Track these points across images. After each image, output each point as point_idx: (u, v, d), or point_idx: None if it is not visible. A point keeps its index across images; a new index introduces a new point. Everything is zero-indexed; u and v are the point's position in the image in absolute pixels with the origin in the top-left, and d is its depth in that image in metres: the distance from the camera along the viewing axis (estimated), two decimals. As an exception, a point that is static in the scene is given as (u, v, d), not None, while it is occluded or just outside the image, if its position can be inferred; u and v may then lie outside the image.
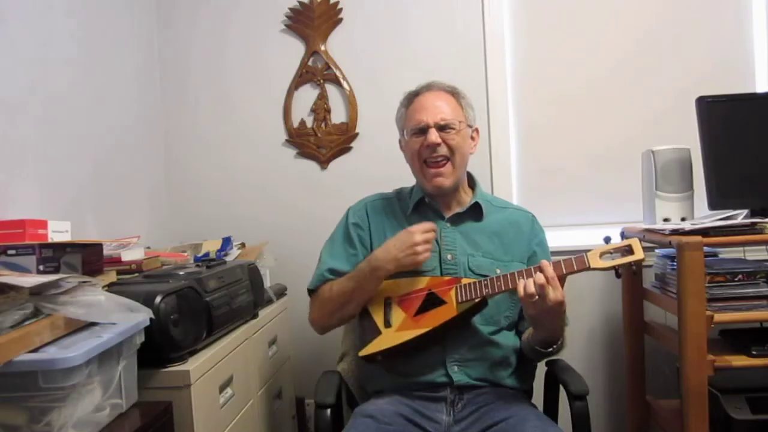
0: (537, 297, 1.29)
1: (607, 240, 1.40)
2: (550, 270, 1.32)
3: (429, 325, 1.41)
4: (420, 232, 1.41)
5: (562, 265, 1.35)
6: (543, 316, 1.36)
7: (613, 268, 1.35)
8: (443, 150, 1.50)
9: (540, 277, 1.30)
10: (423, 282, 1.47)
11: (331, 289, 1.53)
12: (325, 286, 1.55)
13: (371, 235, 1.59)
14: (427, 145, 1.50)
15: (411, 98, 1.58)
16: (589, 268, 1.35)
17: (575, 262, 1.35)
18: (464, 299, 1.41)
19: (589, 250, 1.37)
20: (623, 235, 1.39)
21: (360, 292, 1.49)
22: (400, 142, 1.64)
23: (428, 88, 1.57)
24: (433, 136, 1.49)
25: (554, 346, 1.45)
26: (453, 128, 1.51)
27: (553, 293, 1.29)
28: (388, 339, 1.44)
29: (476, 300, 1.40)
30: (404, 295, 1.47)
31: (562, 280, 1.33)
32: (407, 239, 1.41)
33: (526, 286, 1.30)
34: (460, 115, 1.54)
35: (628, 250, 1.36)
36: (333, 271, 1.56)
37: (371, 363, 1.48)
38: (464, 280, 1.44)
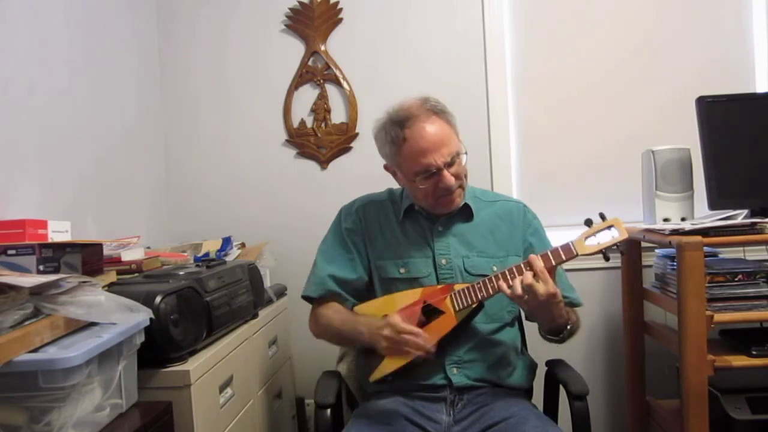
0: (526, 296, 1.29)
1: (588, 222, 1.39)
2: (538, 264, 1.31)
3: (432, 339, 1.39)
4: (390, 327, 1.35)
5: (550, 257, 1.34)
6: (538, 311, 1.36)
7: (600, 251, 1.35)
8: (456, 184, 1.45)
9: (527, 276, 1.30)
10: (417, 294, 1.45)
11: (329, 324, 1.51)
12: (325, 313, 1.52)
13: (365, 240, 1.57)
14: (443, 188, 1.43)
15: (399, 133, 1.41)
16: (576, 255, 1.35)
17: (562, 251, 1.35)
18: (461, 306, 1.40)
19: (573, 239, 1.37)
20: (603, 216, 1.39)
21: (353, 342, 1.55)
22: (387, 168, 1.53)
23: (416, 118, 1.40)
24: (449, 179, 1.41)
25: (563, 333, 1.43)
26: (458, 158, 1.43)
27: (544, 287, 1.28)
28: (394, 360, 1.43)
29: (473, 305, 1.40)
30: (401, 310, 1.44)
31: (552, 271, 1.33)
32: (379, 326, 1.37)
33: (513, 288, 1.30)
34: (457, 140, 1.44)
35: (613, 230, 1.35)
36: (334, 277, 1.54)
37: (381, 384, 1.47)
38: (457, 286, 1.42)
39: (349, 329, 1.48)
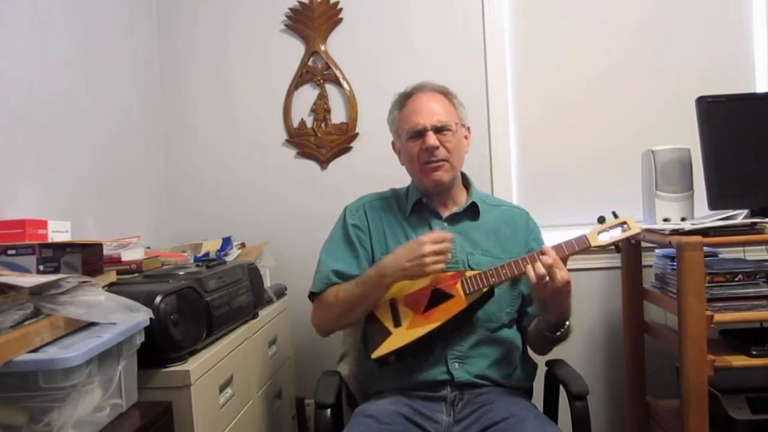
0: (547, 278, 1.32)
1: (601, 219, 1.46)
2: (553, 253, 1.36)
3: (441, 319, 1.42)
4: (430, 242, 1.38)
5: (564, 247, 1.41)
6: (553, 298, 1.39)
7: (614, 244, 1.44)
8: (442, 153, 1.51)
9: (547, 259, 1.34)
10: (426, 280, 1.46)
11: (337, 294, 1.51)
12: (331, 291, 1.53)
13: (370, 235, 1.58)
14: (425, 149, 1.50)
15: (403, 101, 1.57)
16: (590, 247, 1.42)
17: (576, 242, 1.42)
18: (472, 290, 1.42)
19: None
20: (615, 214, 1.48)
21: (367, 298, 1.48)
22: (393, 144, 1.64)
23: (420, 89, 1.57)
24: (432, 139, 1.50)
25: (561, 330, 1.46)
26: (449, 130, 1.52)
27: (560, 273, 1.33)
28: (400, 338, 1.44)
29: (484, 290, 1.42)
30: (409, 294, 1.46)
31: (564, 261, 1.38)
32: (416, 249, 1.38)
33: (536, 268, 1.33)
34: (454, 116, 1.56)
35: (625, 227, 1.43)
36: (338, 273, 1.54)
37: (384, 366, 1.45)
38: (468, 273, 1.44)
39: (364, 284, 1.45)
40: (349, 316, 1.53)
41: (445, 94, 1.57)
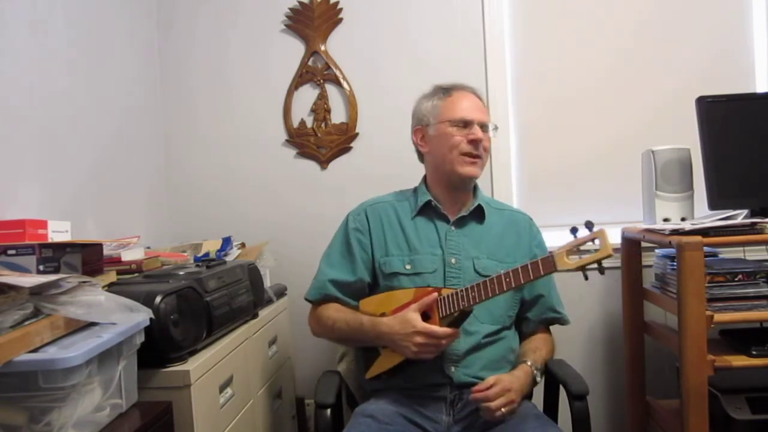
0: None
1: (574, 231, 1.32)
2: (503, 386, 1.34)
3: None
4: (423, 335, 1.35)
5: (530, 272, 1.31)
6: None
7: (580, 269, 1.29)
8: (481, 149, 1.54)
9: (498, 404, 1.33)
10: (410, 294, 1.45)
11: (334, 325, 1.52)
12: (328, 311, 1.54)
13: (371, 239, 1.58)
14: (471, 140, 1.52)
15: (446, 92, 1.59)
16: (555, 270, 1.31)
17: (542, 265, 1.31)
18: (444, 314, 1.38)
19: (557, 248, 1.31)
20: (589, 226, 1.30)
21: (359, 342, 1.54)
22: (417, 130, 1.61)
23: (462, 87, 1.60)
24: (480, 132, 1.53)
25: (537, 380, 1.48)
26: (487, 132, 1.56)
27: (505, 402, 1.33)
28: (388, 359, 1.45)
29: (455, 314, 1.38)
30: (394, 310, 1.45)
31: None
32: (409, 335, 1.36)
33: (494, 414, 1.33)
34: (489, 119, 1.60)
35: (597, 243, 1.27)
36: (334, 282, 1.55)
37: (377, 381, 1.50)
38: (444, 291, 1.40)
39: (360, 332, 1.47)
40: (344, 344, 1.66)
41: (481, 98, 1.62)
